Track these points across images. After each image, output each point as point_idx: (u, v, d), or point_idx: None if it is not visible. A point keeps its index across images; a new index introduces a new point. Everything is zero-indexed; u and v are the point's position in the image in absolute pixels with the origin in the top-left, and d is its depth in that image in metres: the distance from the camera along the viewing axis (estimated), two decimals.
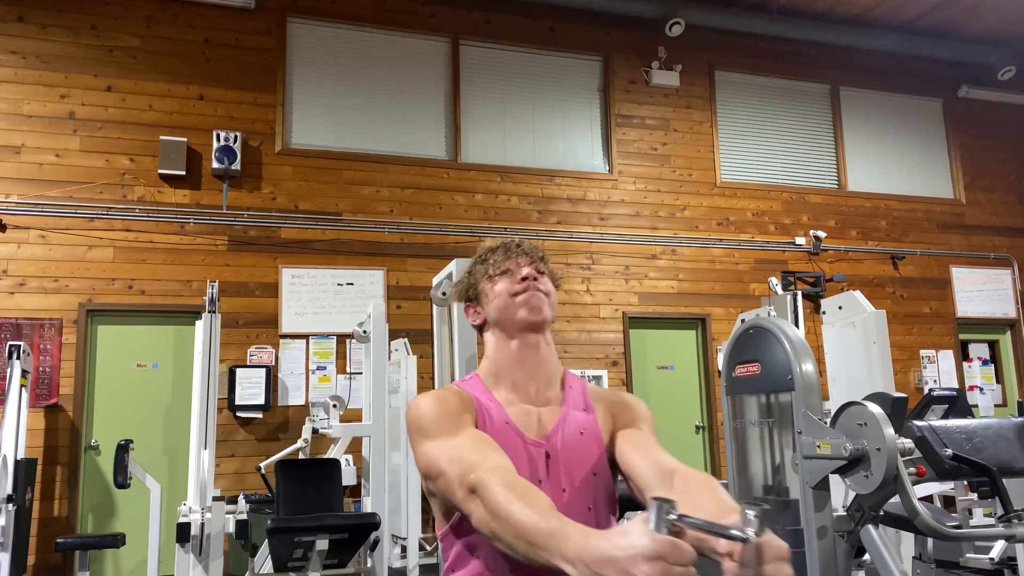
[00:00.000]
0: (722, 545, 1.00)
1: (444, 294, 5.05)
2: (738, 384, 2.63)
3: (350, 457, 6.54)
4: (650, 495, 1.27)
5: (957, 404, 5.16)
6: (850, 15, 8.87)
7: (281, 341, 6.80)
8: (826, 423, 2.30)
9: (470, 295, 1.55)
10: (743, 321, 3.62)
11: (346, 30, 7.49)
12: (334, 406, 5.95)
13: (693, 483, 1.27)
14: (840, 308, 4.75)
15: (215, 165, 6.71)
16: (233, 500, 5.28)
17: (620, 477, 1.46)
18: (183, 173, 6.70)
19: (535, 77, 8.04)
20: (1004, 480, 2.32)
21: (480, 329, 1.55)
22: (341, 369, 6.92)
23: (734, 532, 0.94)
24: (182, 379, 6.59)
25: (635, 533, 0.90)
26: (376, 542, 4.80)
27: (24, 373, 5.50)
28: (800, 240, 8.52)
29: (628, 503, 3.86)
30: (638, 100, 8.31)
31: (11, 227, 6.35)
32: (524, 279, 1.48)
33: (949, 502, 7.46)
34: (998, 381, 9.20)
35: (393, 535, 5.64)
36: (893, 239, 8.94)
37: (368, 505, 5.06)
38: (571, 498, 1.39)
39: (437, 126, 7.64)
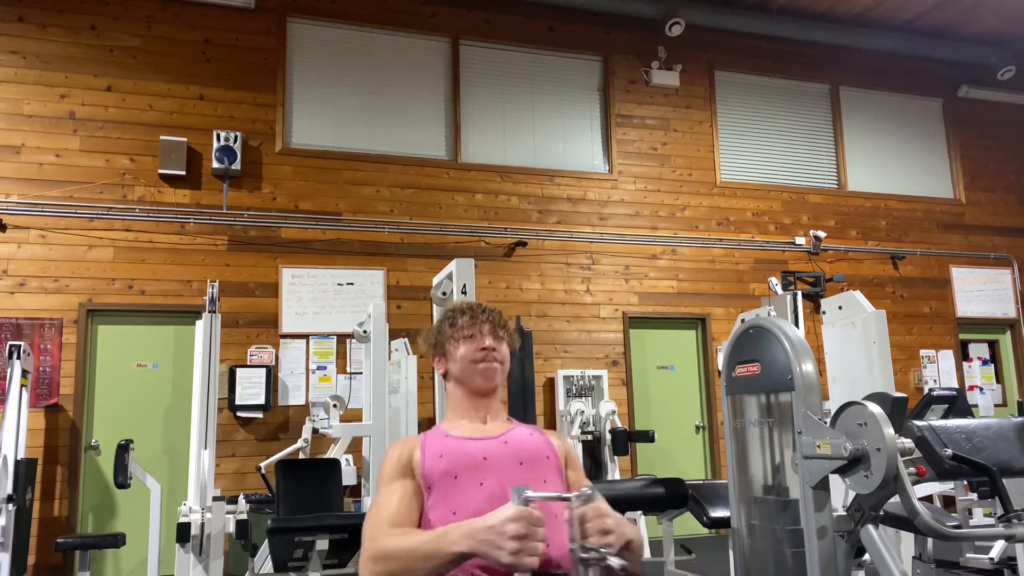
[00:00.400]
0: (563, 513, 1.50)
1: (444, 294, 5.05)
2: (738, 384, 2.63)
3: (350, 457, 6.54)
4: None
5: (957, 404, 5.16)
6: (850, 15, 8.87)
7: (281, 341, 6.80)
8: (826, 423, 2.30)
9: (437, 350, 1.85)
10: (743, 321, 3.62)
11: (346, 30, 7.49)
12: (334, 406, 5.95)
13: None
14: (840, 308, 4.75)
15: (215, 165, 6.72)
16: (233, 500, 5.28)
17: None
18: (183, 173, 6.70)
19: (535, 77, 8.04)
20: (1004, 480, 2.32)
21: (444, 376, 1.86)
22: (341, 369, 6.92)
23: (563, 495, 1.45)
24: (182, 379, 6.59)
25: (503, 508, 1.38)
26: None
27: (24, 373, 5.50)
28: (800, 240, 8.53)
29: (639, 502, 3.86)
30: (638, 100, 8.31)
31: (11, 227, 6.35)
32: (484, 349, 1.77)
33: (949, 502, 7.46)
34: (998, 381, 9.20)
35: None
36: (893, 239, 8.94)
37: (368, 505, 5.06)
38: (528, 469, 1.67)
39: (437, 126, 7.64)
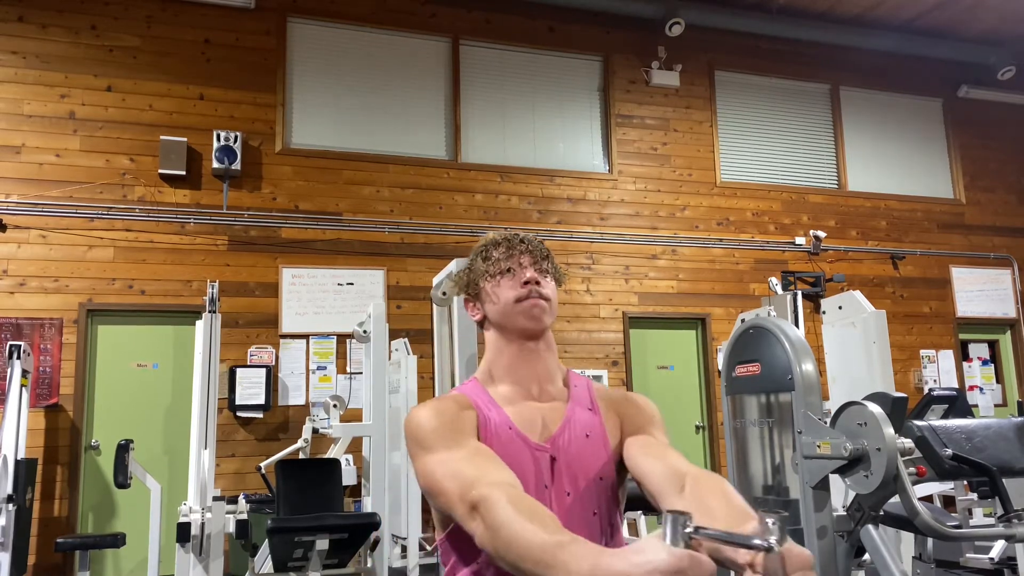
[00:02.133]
0: (742, 555, 0.97)
1: (444, 294, 5.05)
2: (738, 384, 2.63)
3: (350, 457, 6.54)
4: (662, 500, 1.26)
5: (957, 404, 5.16)
6: (850, 15, 8.87)
7: (281, 341, 6.80)
8: (826, 423, 2.30)
9: (470, 291, 1.52)
10: (743, 321, 3.62)
11: (346, 30, 7.49)
12: (334, 406, 5.95)
13: (705, 487, 1.24)
14: (840, 308, 4.76)
15: (215, 165, 6.72)
16: (233, 500, 5.28)
17: (630, 477, 1.42)
18: (183, 173, 6.70)
19: (535, 77, 8.04)
20: (1004, 480, 2.32)
21: (480, 324, 1.53)
22: (341, 369, 6.92)
23: (756, 542, 0.90)
24: (182, 379, 6.59)
25: (651, 549, 0.86)
26: (376, 542, 4.80)
27: (24, 373, 5.50)
28: (800, 240, 8.53)
29: (638, 502, 3.86)
30: (638, 100, 8.31)
31: (11, 227, 6.35)
32: (526, 283, 1.45)
33: (949, 502, 7.46)
34: (998, 381, 9.20)
35: (393, 535, 5.64)
36: (893, 239, 8.94)
37: (368, 505, 5.06)
38: (576, 502, 1.36)
39: (437, 126, 7.64)
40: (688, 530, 0.87)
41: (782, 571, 0.92)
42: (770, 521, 0.90)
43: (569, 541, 1.00)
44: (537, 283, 1.46)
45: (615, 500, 1.42)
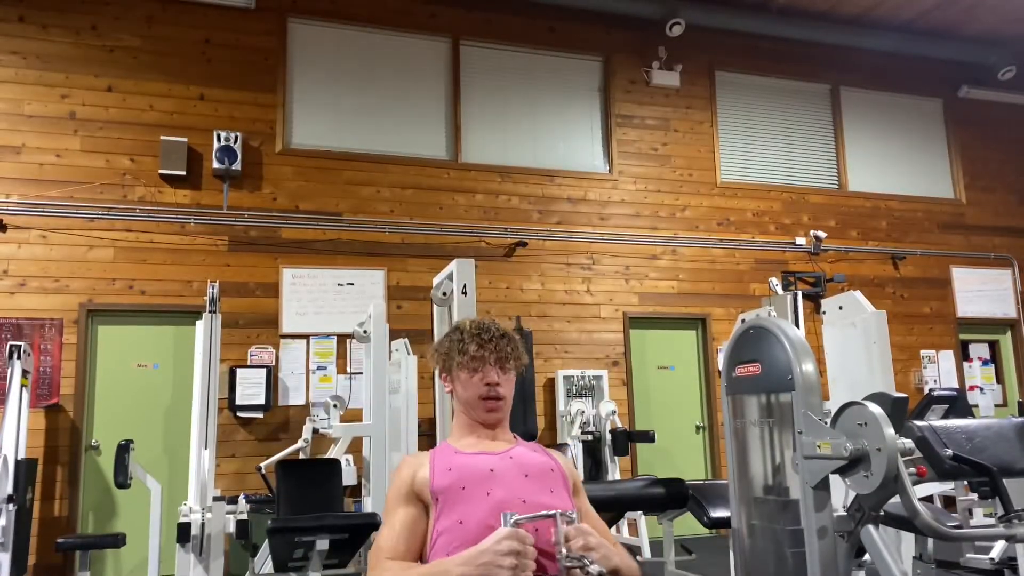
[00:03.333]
0: (551, 535, 1.59)
1: (444, 294, 5.05)
2: (738, 384, 2.63)
3: (350, 457, 6.54)
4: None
5: (957, 404, 5.17)
6: (850, 15, 8.87)
7: (281, 341, 6.80)
8: (826, 423, 2.30)
9: (444, 370, 1.90)
10: (743, 321, 3.62)
11: (346, 30, 7.49)
12: (334, 406, 5.95)
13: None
14: (840, 308, 4.76)
15: (215, 165, 6.72)
16: (233, 500, 5.28)
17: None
18: (184, 173, 6.70)
19: (535, 77, 8.04)
20: (1004, 480, 2.32)
21: (451, 395, 1.90)
22: (341, 369, 6.92)
23: (548, 512, 1.59)
24: (182, 379, 6.59)
25: (494, 533, 1.50)
26: None
27: (24, 373, 5.50)
28: (800, 240, 8.53)
29: (637, 503, 3.86)
30: (638, 100, 8.31)
31: (11, 227, 6.35)
32: (488, 384, 1.82)
33: (949, 502, 7.46)
34: (998, 381, 9.20)
35: None
36: (893, 239, 8.94)
37: (368, 505, 5.06)
38: (535, 481, 1.73)
39: (437, 126, 7.64)
40: (514, 519, 1.52)
41: (565, 533, 1.57)
42: (570, 512, 1.61)
43: (437, 561, 1.56)
44: (497, 384, 1.83)
45: (568, 490, 1.79)
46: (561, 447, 6.77)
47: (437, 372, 1.96)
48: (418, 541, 1.70)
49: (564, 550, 1.55)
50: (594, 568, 1.53)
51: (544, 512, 1.56)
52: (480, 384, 1.82)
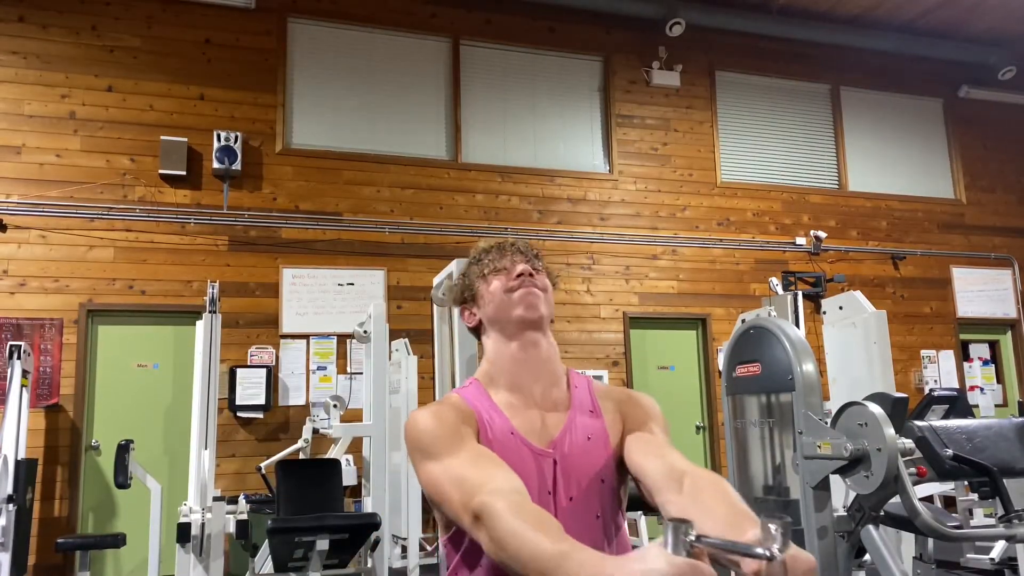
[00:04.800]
0: (746, 563, 0.95)
1: (444, 294, 5.05)
2: (738, 384, 2.63)
3: (350, 457, 6.54)
4: (659, 498, 1.26)
5: (957, 404, 5.16)
6: (851, 15, 8.87)
7: (281, 341, 6.80)
8: (826, 423, 2.30)
9: (465, 296, 1.52)
10: (743, 321, 3.61)
11: (346, 30, 7.49)
12: (334, 406, 5.95)
13: (704, 487, 1.23)
14: (840, 308, 4.75)
15: (215, 165, 6.71)
16: (233, 500, 5.28)
17: (631, 477, 1.42)
18: (184, 173, 6.70)
19: (535, 77, 8.04)
20: (1004, 480, 2.32)
21: (477, 332, 1.52)
22: (341, 369, 6.92)
23: (758, 551, 0.89)
24: (182, 379, 6.59)
25: (652, 557, 0.87)
26: (376, 542, 4.80)
27: (25, 373, 5.50)
28: (800, 240, 8.52)
29: (637, 503, 3.86)
30: (638, 100, 8.31)
31: (11, 227, 6.35)
32: (519, 275, 1.45)
33: (950, 502, 7.45)
34: (998, 381, 9.20)
35: (393, 535, 5.64)
36: (893, 239, 8.94)
37: (368, 505, 5.06)
38: (578, 505, 1.36)
39: (437, 126, 7.64)
40: (690, 538, 0.87)
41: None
42: (772, 527, 0.88)
43: (572, 550, 1.00)
44: (531, 275, 1.46)
45: (617, 502, 1.42)
46: None
47: (457, 309, 1.56)
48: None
49: None
50: None
51: (745, 547, 0.91)
52: (509, 280, 1.46)
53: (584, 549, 1.00)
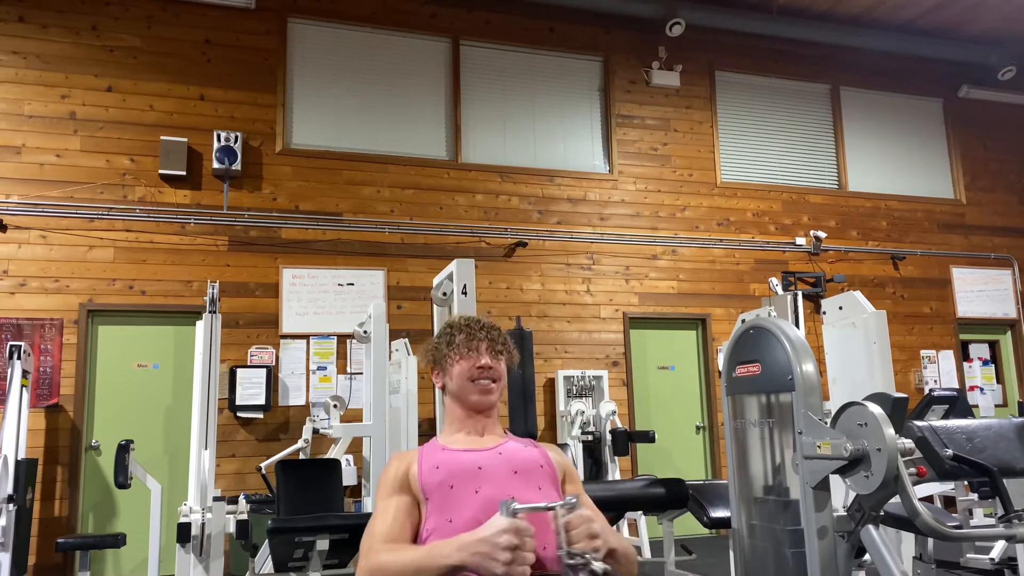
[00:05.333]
0: (551, 524, 1.52)
1: (444, 294, 5.05)
2: (738, 384, 2.63)
3: (350, 457, 6.54)
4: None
5: (957, 404, 5.16)
6: (850, 15, 8.87)
7: (282, 341, 6.80)
8: (826, 423, 2.30)
9: (436, 364, 1.88)
10: (743, 321, 3.62)
11: (346, 30, 7.49)
12: (334, 406, 5.95)
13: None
14: (840, 308, 4.76)
15: (215, 165, 6.72)
16: (234, 500, 5.28)
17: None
18: (184, 173, 6.70)
19: (535, 77, 8.04)
20: (1004, 480, 2.32)
21: (442, 390, 1.88)
22: (341, 369, 6.92)
23: (549, 504, 1.51)
24: (182, 379, 6.59)
25: (494, 521, 1.44)
26: None
27: (25, 373, 5.50)
28: (800, 240, 8.53)
29: (639, 503, 3.86)
30: (638, 100, 8.31)
31: (11, 227, 6.35)
32: (480, 367, 1.80)
33: (949, 502, 7.46)
34: (998, 381, 9.20)
35: None
36: (893, 239, 8.94)
37: (368, 505, 5.06)
38: (523, 478, 1.71)
39: (437, 126, 7.64)
40: (513, 507, 1.44)
41: (567, 522, 1.49)
42: (569, 497, 1.52)
43: (434, 544, 1.52)
44: (490, 367, 1.81)
45: (557, 484, 1.77)
46: (561, 447, 6.77)
47: (429, 370, 1.91)
48: (413, 529, 1.67)
49: (565, 544, 1.48)
50: (599, 566, 1.47)
51: (544, 504, 1.50)
52: (472, 368, 1.80)
53: (444, 540, 1.51)
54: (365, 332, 5.34)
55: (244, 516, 4.61)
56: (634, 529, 6.66)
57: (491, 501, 1.63)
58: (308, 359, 6.84)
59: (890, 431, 2.13)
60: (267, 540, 4.55)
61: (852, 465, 2.22)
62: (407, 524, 1.67)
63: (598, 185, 7.99)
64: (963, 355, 9.02)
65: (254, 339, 6.74)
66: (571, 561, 1.47)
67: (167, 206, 6.71)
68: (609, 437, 6.63)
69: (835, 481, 2.34)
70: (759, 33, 8.71)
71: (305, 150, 7.17)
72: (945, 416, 5.15)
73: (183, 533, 4.39)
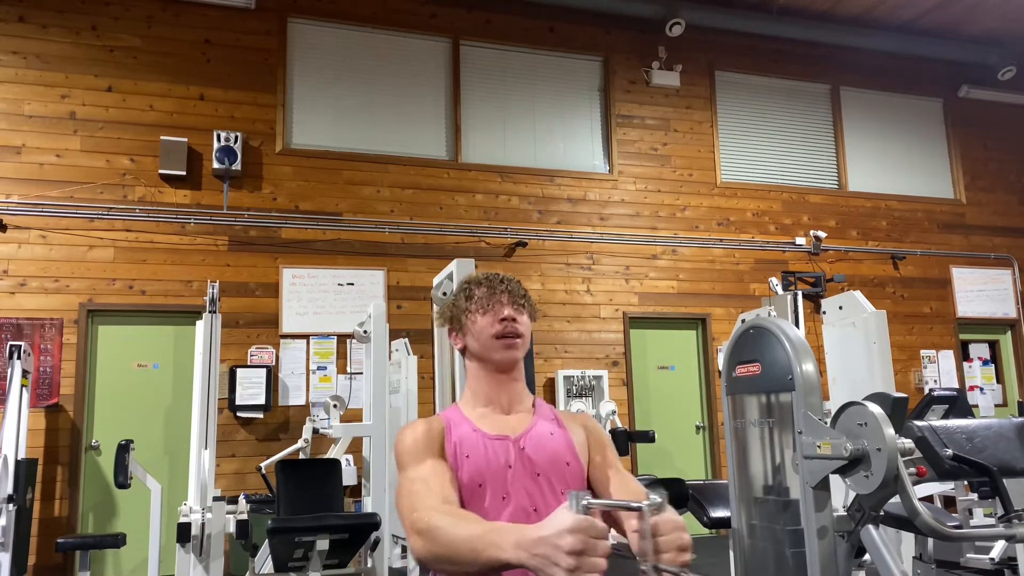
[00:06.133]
0: (632, 524, 1.26)
1: (444, 294, 5.05)
2: (738, 384, 2.63)
3: (350, 457, 6.55)
4: (627, 525, 1.47)
5: (957, 404, 5.17)
6: (850, 15, 8.87)
7: (281, 341, 6.80)
8: (826, 423, 2.30)
9: (454, 324, 1.72)
10: (743, 321, 3.62)
11: (346, 30, 7.49)
12: (334, 406, 5.95)
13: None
14: (840, 308, 4.76)
15: (215, 165, 6.72)
16: (234, 500, 5.28)
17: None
18: (183, 173, 6.70)
19: (535, 77, 8.04)
20: (1004, 480, 2.32)
21: (462, 352, 1.73)
22: (341, 369, 6.92)
23: (632, 504, 1.18)
24: (182, 379, 6.59)
25: (559, 517, 1.13)
26: (377, 542, 4.80)
27: (25, 373, 5.50)
28: (800, 240, 8.53)
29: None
30: (638, 100, 8.31)
31: (12, 227, 6.35)
32: (503, 320, 1.65)
33: (949, 502, 7.46)
34: (998, 381, 9.20)
35: (394, 535, 5.64)
36: (893, 239, 8.94)
37: (368, 505, 5.06)
38: (545, 483, 1.57)
39: (437, 126, 7.64)
40: (584, 502, 1.13)
41: (657, 532, 1.21)
42: (653, 496, 1.17)
43: (495, 526, 1.25)
44: (514, 320, 1.66)
45: (583, 483, 1.64)
46: None
47: (446, 331, 1.74)
48: (457, 495, 1.50)
49: (651, 555, 1.20)
50: None
51: (626, 503, 1.21)
52: (494, 322, 1.64)
53: (504, 524, 1.23)
54: (365, 332, 5.34)
55: (244, 516, 4.61)
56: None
57: (518, 512, 1.51)
58: (308, 359, 6.84)
59: (890, 431, 2.13)
60: (267, 540, 4.55)
61: (852, 465, 2.21)
62: (453, 490, 1.50)
63: (598, 185, 7.99)
64: (963, 355, 9.02)
65: (254, 339, 6.74)
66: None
67: (167, 206, 6.71)
68: (609, 437, 6.62)
69: (835, 481, 2.35)
70: (759, 33, 8.71)
71: (305, 150, 7.17)
72: (945, 416, 5.15)
73: (183, 533, 4.39)
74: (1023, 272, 9.42)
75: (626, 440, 6.55)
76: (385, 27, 7.59)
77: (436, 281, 5.16)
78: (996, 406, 8.96)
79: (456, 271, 4.56)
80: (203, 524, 4.44)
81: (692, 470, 7.85)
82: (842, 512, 2.32)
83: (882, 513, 2.25)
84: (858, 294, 4.70)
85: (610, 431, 6.68)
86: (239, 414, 6.54)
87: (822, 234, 8.44)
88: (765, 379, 2.50)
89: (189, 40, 7.01)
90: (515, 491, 1.54)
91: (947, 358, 8.79)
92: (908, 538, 3.99)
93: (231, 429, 6.56)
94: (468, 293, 1.70)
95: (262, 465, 5.72)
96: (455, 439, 1.59)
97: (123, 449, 5.08)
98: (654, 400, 7.89)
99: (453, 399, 4.78)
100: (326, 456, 5.95)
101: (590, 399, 7.31)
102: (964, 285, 9.10)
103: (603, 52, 8.27)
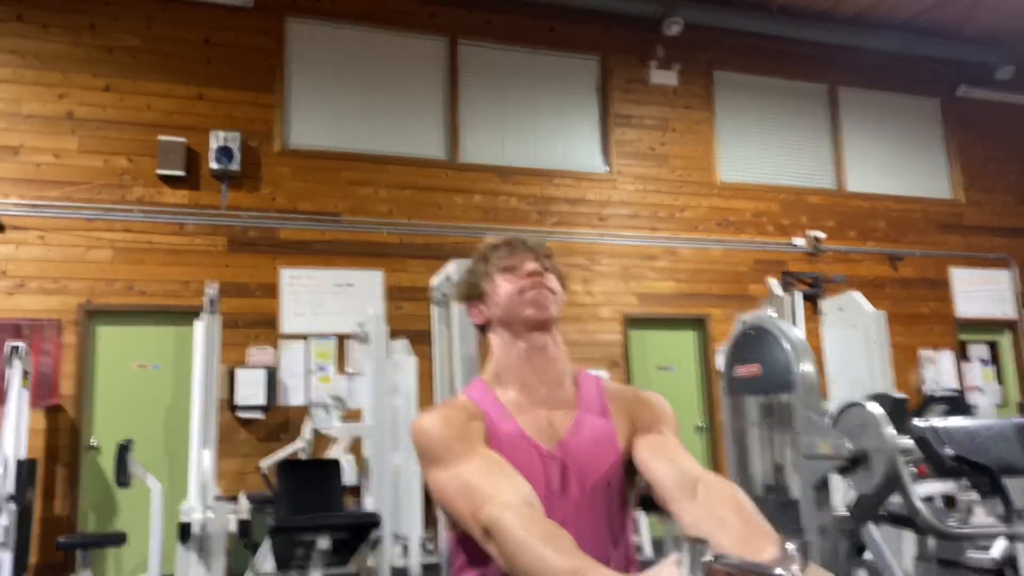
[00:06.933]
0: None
1: (443, 295, 5.05)
2: (738, 384, 2.64)
3: (350, 457, 6.54)
4: (673, 506, 1.26)
5: (957, 405, 5.18)
6: (849, 15, 8.88)
7: (281, 341, 6.80)
8: (826, 423, 2.31)
9: (472, 293, 1.46)
10: (743, 322, 3.62)
11: (346, 30, 7.49)
12: (335, 406, 5.95)
13: (718, 495, 1.23)
14: (840, 309, 4.76)
15: (214, 165, 6.71)
16: (233, 500, 5.28)
17: (642, 479, 1.40)
18: (182, 173, 6.69)
19: (534, 77, 8.04)
20: (1005, 479, 2.33)
21: (483, 329, 1.47)
22: (341, 369, 6.92)
23: (778, 572, 0.88)
24: (182, 379, 6.58)
25: (664, 573, 0.86)
26: (377, 541, 4.80)
27: (24, 374, 5.50)
28: (799, 241, 8.53)
29: (646, 501, 3.87)
30: (637, 100, 8.31)
31: (10, 228, 6.34)
32: (530, 275, 1.40)
33: (950, 501, 7.46)
34: (998, 381, 9.21)
35: (394, 534, 5.64)
36: (892, 240, 8.94)
37: (369, 504, 5.06)
38: (584, 507, 1.34)
39: (436, 126, 7.64)
40: (706, 559, 0.85)
41: None
42: (791, 548, 0.88)
43: (585, 567, 1.00)
44: (540, 273, 1.41)
45: (623, 504, 1.41)
46: None
47: (465, 306, 1.48)
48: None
49: None
50: None
51: (756, 564, 0.92)
52: (519, 279, 1.40)
53: (596, 566, 0.99)
54: (365, 332, 5.34)
55: (245, 515, 4.62)
56: (635, 528, 6.67)
57: (572, 509, 1.32)
58: (308, 359, 6.84)
59: (890, 431, 2.14)
60: (268, 539, 4.56)
61: (853, 465, 2.22)
62: (530, 486, 1.24)
63: (597, 185, 7.99)
64: (962, 355, 9.02)
65: (253, 339, 6.74)
66: None
67: (165, 206, 6.70)
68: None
69: (835, 481, 2.35)
70: (758, 32, 8.71)
71: (304, 150, 7.17)
72: (944, 416, 5.15)
73: (184, 533, 4.39)
74: (1022, 272, 9.42)
75: None
76: (384, 27, 7.58)
77: (435, 281, 5.16)
78: (996, 406, 8.96)
79: (455, 271, 4.56)
80: (204, 524, 4.44)
81: None
82: (843, 511, 2.33)
83: (883, 512, 2.26)
84: (857, 295, 4.71)
85: None
86: (239, 414, 6.53)
87: (821, 235, 8.45)
88: (765, 379, 2.50)
89: (188, 40, 7.00)
90: (556, 512, 1.30)
91: (946, 359, 8.79)
92: (909, 537, 4.00)
93: (231, 429, 6.55)
94: (485, 256, 1.46)
95: (262, 465, 5.72)
96: (501, 439, 1.34)
97: (123, 449, 5.08)
98: None
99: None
100: (326, 456, 5.95)
101: None
102: (963, 285, 9.10)
103: (601, 51, 8.27)
